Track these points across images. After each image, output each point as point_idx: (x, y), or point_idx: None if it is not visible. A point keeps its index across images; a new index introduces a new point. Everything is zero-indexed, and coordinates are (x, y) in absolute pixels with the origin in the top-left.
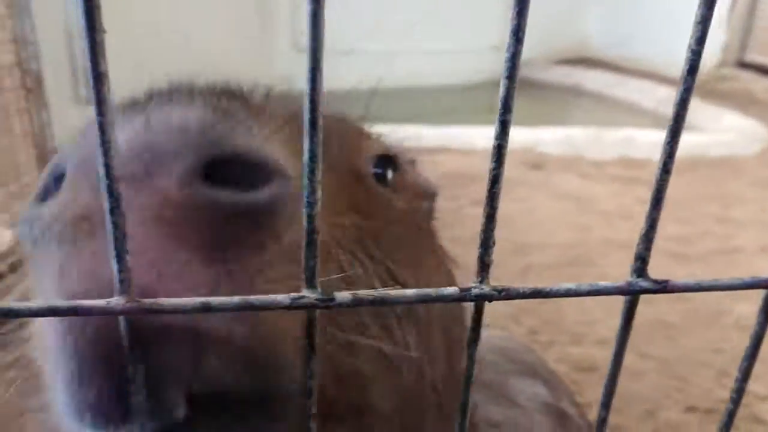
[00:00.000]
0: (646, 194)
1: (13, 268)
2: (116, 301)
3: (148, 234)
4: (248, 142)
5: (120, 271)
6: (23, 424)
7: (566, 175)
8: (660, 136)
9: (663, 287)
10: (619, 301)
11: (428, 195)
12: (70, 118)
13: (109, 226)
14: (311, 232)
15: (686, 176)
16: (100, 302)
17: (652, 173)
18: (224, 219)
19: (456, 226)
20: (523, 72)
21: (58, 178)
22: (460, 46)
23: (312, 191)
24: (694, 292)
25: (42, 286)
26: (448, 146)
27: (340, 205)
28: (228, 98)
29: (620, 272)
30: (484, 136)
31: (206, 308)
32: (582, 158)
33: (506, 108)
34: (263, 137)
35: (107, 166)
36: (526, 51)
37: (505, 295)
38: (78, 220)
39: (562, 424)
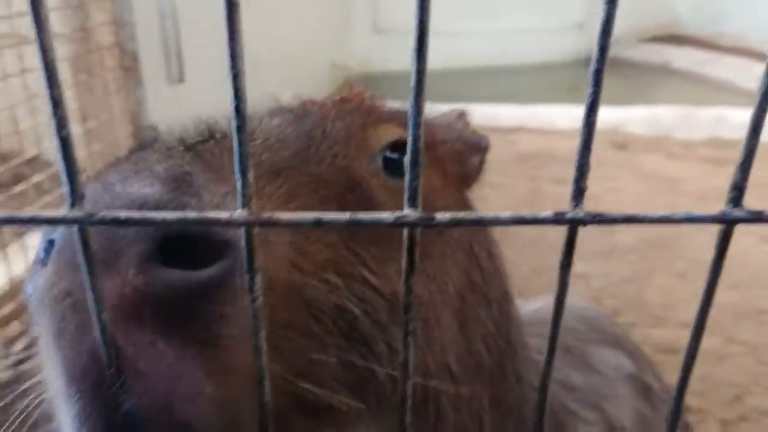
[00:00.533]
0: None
1: None
2: (239, 213)
3: (115, 317)
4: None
5: (243, 186)
6: None
7: (652, 155)
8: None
9: (758, 217)
10: (703, 287)
11: (477, 149)
12: (162, 96)
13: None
14: (415, 152)
15: None
16: (224, 214)
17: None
18: (179, 297)
19: (536, 205)
20: (611, 50)
21: (51, 244)
22: (544, 24)
23: (417, 111)
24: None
25: (43, 340)
26: (527, 126)
27: (323, 231)
28: (187, 161)
29: (708, 256)
30: (564, 115)
31: (319, 223)
32: (670, 138)
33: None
34: (216, 205)
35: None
36: (614, 29)
37: (599, 219)
38: (63, 296)
39: (645, 396)
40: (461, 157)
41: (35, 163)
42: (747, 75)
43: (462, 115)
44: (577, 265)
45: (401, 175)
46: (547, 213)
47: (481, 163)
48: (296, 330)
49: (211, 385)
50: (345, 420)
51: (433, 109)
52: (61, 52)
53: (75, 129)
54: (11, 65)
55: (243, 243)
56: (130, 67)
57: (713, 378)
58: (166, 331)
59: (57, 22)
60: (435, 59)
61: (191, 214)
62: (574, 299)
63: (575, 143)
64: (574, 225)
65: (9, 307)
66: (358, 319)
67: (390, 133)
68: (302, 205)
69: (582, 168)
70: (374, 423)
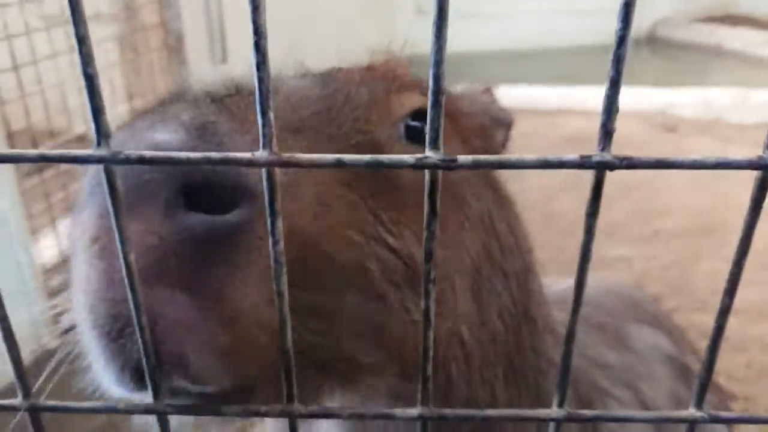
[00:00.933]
0: None
1: None
2: (260, 153)
3: (140, 262)
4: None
5: (264, 125)
6: None
7: (702, 138)
8: None
9: None
10: (751, 273)
11: (502, 125)
12: (206, 75)
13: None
14: (436, 92)
15: None
16: (245, 155)
17: None
18: (201, 242)
19: (579, 191)
20: (661, 31)
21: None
22: (590, 5)
23: (439, 48)
24: (679, 200)
25: (73, 287)
26: (572, 108)
27: (345, 190)
28: (213, 112)
29: (759, 245)
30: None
31: (340, 163)
32: (721, 121)
33: None
34: (245, 150)
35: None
36: (664, 9)
37: (627, 164)
38: (91, 242)
39: (684, 377)
40: (485, 131)
41: (84, 140)
42: None
43: (488, 90)
44: (619, 249)
45: (422, 142)
46: (573, 156)
47: (506, 139)
48: (313, 282)
49: (225, 335)
50: (358, 374)
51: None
52: (108, 31)
53: (121, 108)
54: (60, 43)
55: (264, 184)
56: (174, 47)
57: (759, 365)
58: (187, 278)
59: (103, 1)
60: (479, 41)
61: (214, 154)
62: (612, 277)
63: (623, 125)
64: (600, 169)
65: (59, 279)
66: (375, 277)
67: (413, 101)
68: None
69: (609, 109)
70: (387, 378)
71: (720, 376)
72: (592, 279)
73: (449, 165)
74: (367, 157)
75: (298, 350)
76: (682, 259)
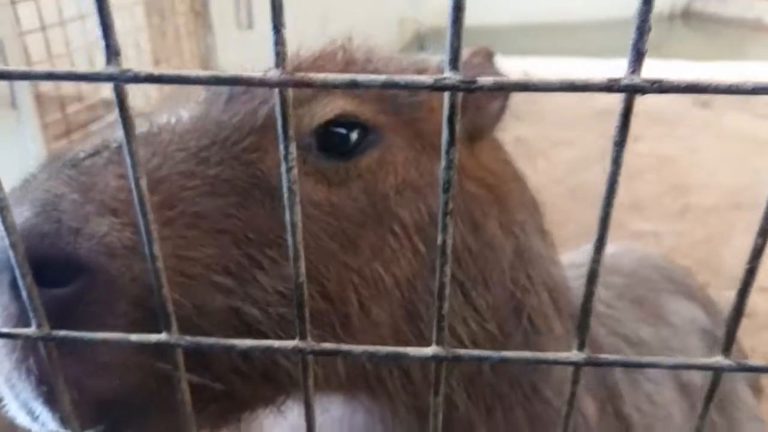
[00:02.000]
0: None
1: None
2: (272, 73)
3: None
4: (60, 245)
5: (276, 43)
6: None
7: (738, 114)
8: None
9: None
10: None
11: (498, 96)
12: (232, 41)
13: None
14: (457, 8)
15: None
16: (257, 74)
17: None
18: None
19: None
20: (697, 5)
21: None
22: None
23: None
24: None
25: None
26: None
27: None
28: (63, 181)
29: None
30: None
31: (354, 84)
32: (758, 97)
33: None
34: (75, 227)
35: None
36: None
37: (658, 87)
38: None
39: (713, 347)
40: (474, 100)
41: (110, 103)
42: None
43: (482, 52)
44: (649, 223)
45: (344, 151)
46: (600, 79)
47: (503, 106)
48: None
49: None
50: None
51: (507, 62)
52: None
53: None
54: (88, 5)
55: (277, 106)
56: (200, 12)
57: None
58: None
59: None
60: (513, 13)
61: (227, 75)
62: (648, 249)
63: (653, 100)
64: (629, 92)
65: None
66: (255, 318)
67: (334, 106)
68: (190, 210)
69: (641, 29)
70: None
71: (748, 355)
72: (624, 247)
73: (469, 86)
74: (383, 77)
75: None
76: (713, 235)
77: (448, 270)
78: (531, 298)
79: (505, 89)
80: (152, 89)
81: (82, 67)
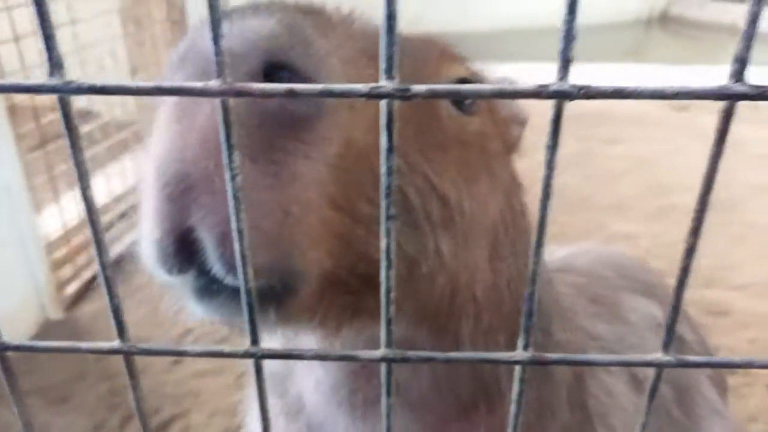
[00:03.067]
0: None
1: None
2: (214, 83)
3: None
4: (303, 54)
5: (216, 54)
6: None
7: (714, 117)
8: None
9: (762, 92)
10: (758, 248)
11: (518, 121)
12: None
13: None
14: (390, 16)
15: None
16: (198, 84)
17: None
18: (271, 123)
19: (586, 166)
20: (676, 10)
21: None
22: None
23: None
24: (694, 176)
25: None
26: None
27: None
28: (303, 15)
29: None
30: (620, 75)
31: (291, 93)
32: None
33: None
34: (321, 53)
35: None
36: None
37: (584, 93)
38: (173, 106)
39: (677, 348)
40: (507, 125)
41: (85, 114)
42: None
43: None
44: (627, 224)
45: (464, 109)
46: (529, 85)
47: (520, 135)
48: (360, 196)
49: (290, 219)
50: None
51: (490, 69)
52: (110, 4)
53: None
54: (61, 16)
55: (219, 115)
56: (177, 20)
57: (763, 341)
58: (252, 153)
59: None
60: (493, 19)
61: (166, 84)
62: (603, 246)
63: (631, 104)
64: (558, 98)
65: (62, 251)
66: (412, 207)
67: (458, 70)
68: None
69: (567, 36)
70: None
71: (723, 351)
72: (581, 248)
73: (404, 94)
74: (320, 86)
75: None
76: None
77: (392, 274)
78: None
79: (438, 96)
80: (131, 98)
81: (73, 73)
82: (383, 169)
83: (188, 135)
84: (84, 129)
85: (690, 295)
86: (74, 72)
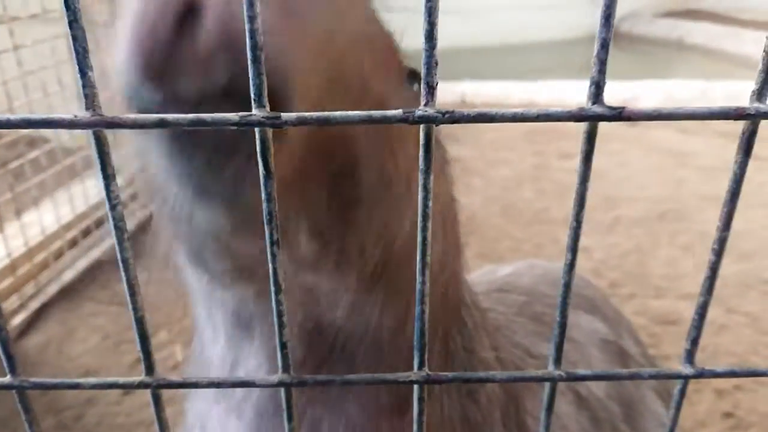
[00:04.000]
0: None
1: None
2: (82, 114)
3: None
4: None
5: (85, 86)
6: None
7: (665, 130)
8: None
9: (618, 114)
10: (703, 258)
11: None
12: None
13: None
14: (254, 48)
15: None
16: (67, 116)
17: (761, 128)
18: None
19: (541, 180)
20: (625, 26)
21: None
22: (555, 0)
23: (250, 4)
24: (656, 121)
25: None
26: (536, 102)
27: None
28: None
29: (714, 229)
30: (572, 91)
31: (163, 124)
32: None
33: None
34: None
35: None
36: (628, 4)
37: (449, 117)
38: None
39: (621, 361)
40: None
41: (30, 140)
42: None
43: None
44: (581, 239)
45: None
46: (396, 112)
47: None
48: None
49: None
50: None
51: (445, 87)
52: (56, 28)
53: (73, 106)
54: (3, 42)
55: (92, 146)
56: None
57: (712, 348)
58: None
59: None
60: (445, 38)
61: (34, 117)
62: (547, 263)
63: None
64: (424, 123)
65: (8, 282)
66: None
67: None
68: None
69: (429, 63)
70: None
71: (673, 360)
72: (526, 265)
73: (274, 123)
74: (190, 116)
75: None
76: (641, 247)
77: (282, 299)
78: (462, 281)
79: (307, 123)
80: None
81: (18, 99)
82: (263, 195)
83: None
84: (30, 156)
85: (639, 305)
86: (19, 98)
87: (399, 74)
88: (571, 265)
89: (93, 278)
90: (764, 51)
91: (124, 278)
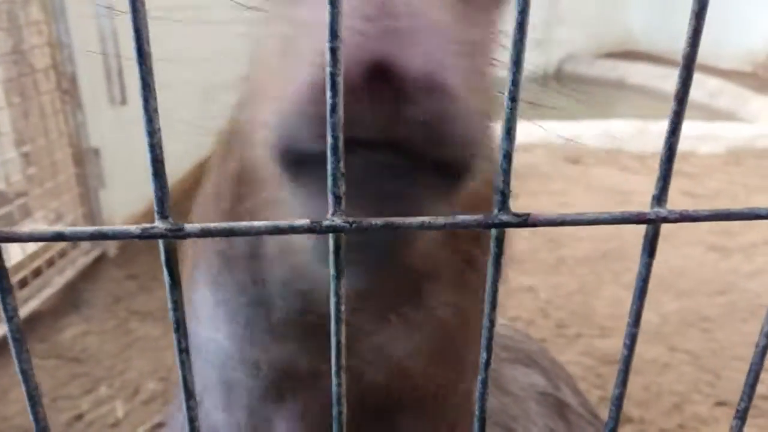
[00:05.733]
0: (690, 186)
1: (50, 263)
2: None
3: None
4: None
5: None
6: None
7: (605, 168)
8: (706, 127)
9: (524, 221)
10: (653, 293)
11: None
12: (104, 118)
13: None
14: (156, 160)
15: (732, 168)
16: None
17: (696, 165)
18: None
19: None
20: (567, 66)
21: None
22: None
23: (149, 120)
24: (562, 227)
25: None
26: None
27: None
28: None
29: (656, 269)
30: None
31: (60, 237)
32: (623, 151)
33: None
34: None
35: None
36: (570, 45)
37: (357, 226)
38: None
39: (560, 413)
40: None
41: None
42: (701, 89)
43: None
44: (525, 278)
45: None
46: (304, 221)
47: None
48: None
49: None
50: None
51: None
52: None
53: (11, 153)
54: None
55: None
56: (68, 89)
57: (655, 387)
58: None
59: None
60: None
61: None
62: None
63: (529, 157)
64: (331, 232)
65: None
66: None
67: None
68: None
69: (334, 175)
70: None
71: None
72: None
73: (176, 234)
74: (91, 229)
75: None
76: (585, 286)
77: (191, 377)
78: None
79: (211, 235)
80: (13, 171)
81: None
82: (170, 304)
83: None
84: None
85: (586, 345)
86: None
87: None
88: (486, 363)
89: (31, 330)
90: (660, 160)
91: (24, 390)
